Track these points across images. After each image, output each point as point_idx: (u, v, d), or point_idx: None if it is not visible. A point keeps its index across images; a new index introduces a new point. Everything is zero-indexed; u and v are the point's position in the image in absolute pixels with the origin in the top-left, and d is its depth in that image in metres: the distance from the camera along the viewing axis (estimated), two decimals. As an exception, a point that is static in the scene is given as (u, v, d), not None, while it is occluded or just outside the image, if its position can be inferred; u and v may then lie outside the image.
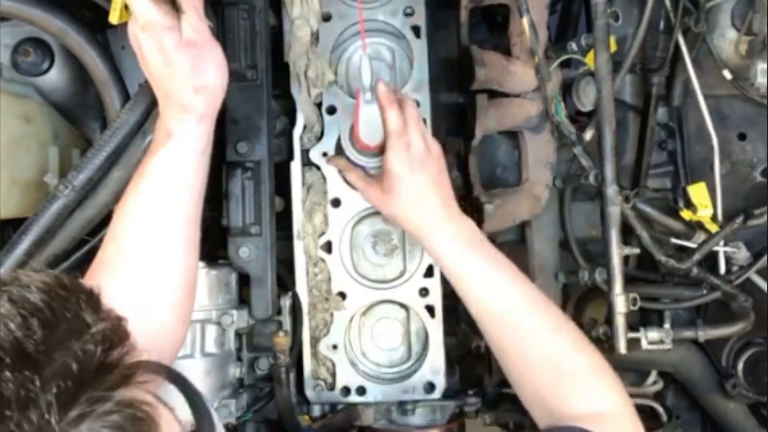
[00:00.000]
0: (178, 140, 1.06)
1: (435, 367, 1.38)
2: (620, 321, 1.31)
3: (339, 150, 1.38)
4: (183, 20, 1.05)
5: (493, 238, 1.42)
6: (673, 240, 1.48)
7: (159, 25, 1.04)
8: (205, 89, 1.07)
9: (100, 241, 1.09)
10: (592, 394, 1.11)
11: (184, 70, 1.05)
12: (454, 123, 1.54)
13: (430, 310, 1.38)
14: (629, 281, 1.35)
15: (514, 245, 1.56)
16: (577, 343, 1.15)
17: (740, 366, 1.58)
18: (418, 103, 1.33)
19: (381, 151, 1.24)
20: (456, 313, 1.57)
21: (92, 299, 0.67)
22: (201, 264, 1.26)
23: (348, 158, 1.32)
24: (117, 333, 0.66)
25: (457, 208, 1.22)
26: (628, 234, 1.39)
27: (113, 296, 1.02)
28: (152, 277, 1.05)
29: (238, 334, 1.36)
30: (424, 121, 1.32)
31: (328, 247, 1.38)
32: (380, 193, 1.23)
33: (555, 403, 1.11)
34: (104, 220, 1.21)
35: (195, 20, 1.06)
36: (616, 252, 1.32)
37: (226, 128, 1.30)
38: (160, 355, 1.06)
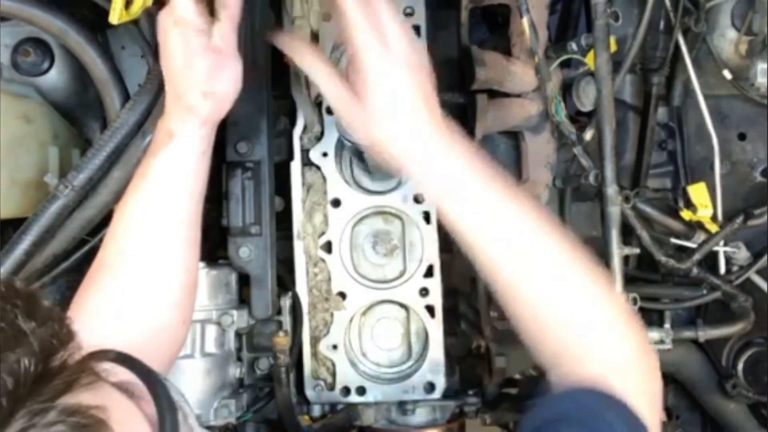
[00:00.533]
0: (179, 141, 1.06)
1: (435, 367, 1.38)
2: (620, 321, 1.31)
3: (339, 150, 1.38)
4: (215, 27, 1.06)
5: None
6: (673, 240, 1.48)
7: (192, 24, 1.04)
8: (214, 95, 1.07)
9: (100, 241, 1.09)
10: (605, 349, 0.97)
11: (200, 73, 1.05)
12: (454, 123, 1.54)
13: (430, 310, 1.38)
14: (629, 281, 1.35)
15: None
16: (592, 289, 0.98)
17: (740, 366, 1.57)
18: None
19: None
20: (456, 313, 1.57)
21: (30, 303, 0.63)
22: (201, 264, 1.26)
23: (345, 140, 1.31)
24: (58, 337, 0.63)
25: (447, 127, 1.00)
26: (628, 234, 1.39)
27: (113, 295, 1.03)
28: (152, 277, 1.05)
29: (238, 334, 1.36)
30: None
31: (328, 247, 1.38)
32: (353, 99, 0.99)
33: (560, 359, 0.97)
34: (104, 220, 1.21)
35: (226, 29, 1.06)
36: (616, 252, 1.32)
37: (227, 128, 1.30)
38: (160, 355, 1.05)
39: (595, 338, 0.97)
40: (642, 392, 0.93)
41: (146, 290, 1.05)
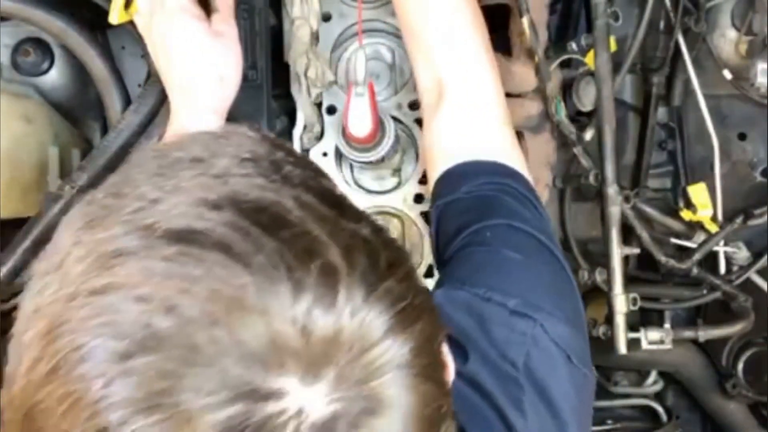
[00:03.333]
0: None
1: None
2: (620, 321, 1.31)
3: (339, 150, 1.38)
4: (214, 13, 1.06)
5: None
6: (673, 240, 1.48)
7: (189, 12, 1.04)
8: (222, 82, 1.07)
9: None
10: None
11: (207, 61, 1.05)
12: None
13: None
14: (629, 281, 1.35)
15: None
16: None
17: (740, 366, 1.57)
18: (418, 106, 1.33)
19: (371, 143, 1.24)
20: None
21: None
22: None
23: (341, 152, 1.32)
24: None
25: None
26: (628, 234, 1.39)
27: None
28: None
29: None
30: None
31: (328, 247, 1.38)
32: None
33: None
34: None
35: (225, 14, 1.07)
36: (616, 252, 1.32)
37: (227, 128, 1.30)
38: None
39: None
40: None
41: None
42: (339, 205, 0.57)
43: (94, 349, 0.48)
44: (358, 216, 0.58)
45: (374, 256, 0.54)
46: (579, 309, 0.92)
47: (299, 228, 0.52)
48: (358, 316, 0.51)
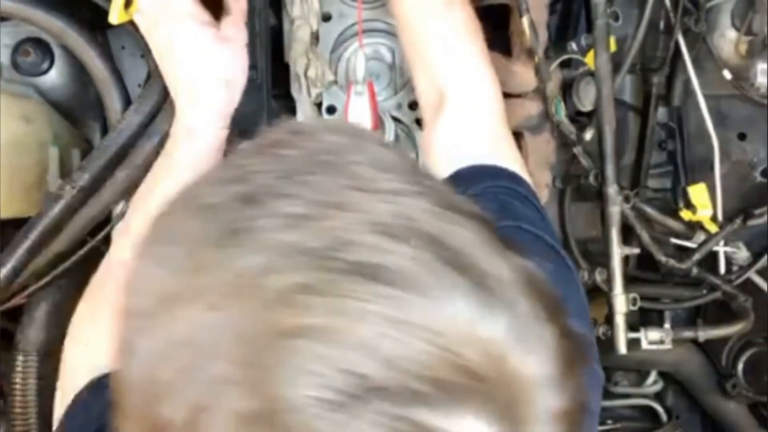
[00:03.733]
0: (200, 135, 1.06)
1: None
2: (620, 321, 1.32)
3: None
4: (224, 18, 1.06)
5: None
6: (673, 240, 1.48)
7: (196, 17, 1.05)
8: (229, 86, 1.07)
9: (100, 241, 1.09)
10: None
11: (215, 65, 1.05)
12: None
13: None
14: (629, 281, 1.35)
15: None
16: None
17: (740, 366, 1.58)
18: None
19: None
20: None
21: None
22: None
23: None
24: None
25: None
26: (628, 234, 1.39)
27: None
28: None
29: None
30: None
31: (328, 247, 1.38)
32: None
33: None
34: (105, 221, 1.21)
35: (236, 20, 1.08)
36: (616, 252, 1.32)
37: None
38: None
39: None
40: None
41: None
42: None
43: None
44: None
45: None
46: (585, 307, 0.93)
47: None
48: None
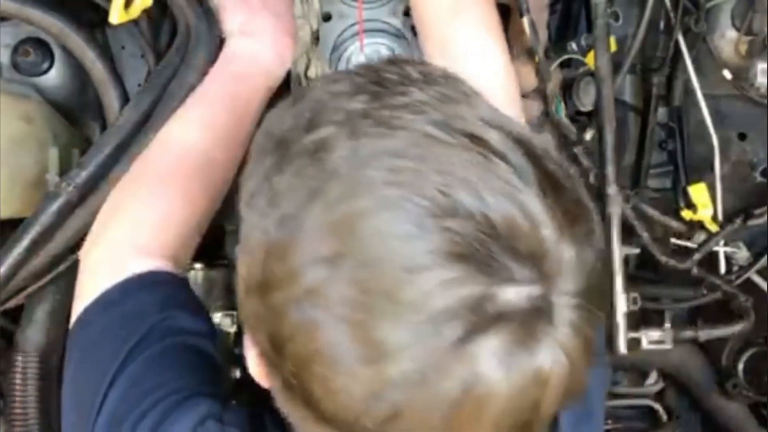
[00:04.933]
0: (281, 71, 1.17)
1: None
2: (620, 321, 1.31)
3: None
4: None
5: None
6: (673, 240, 1.48)
7: None
8: (288, 53, 1.19)
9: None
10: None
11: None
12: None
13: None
14: (629, 281, 1.35)
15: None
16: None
17: (740, 366, 1.58)
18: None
19: None
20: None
21: None
22: (199, 265, 1.26)
23: None
24: None
25: None
26: (628, 234, 1.39)
27: None
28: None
29: (238, 336, 1.35)
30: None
31: (328, 247, 1.38)
32: None
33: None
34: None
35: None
36: (616, 252, 1.32)
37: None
38: None
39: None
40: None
41: None
42: None
43: None
44: None
45: None
46: None
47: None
48: None
